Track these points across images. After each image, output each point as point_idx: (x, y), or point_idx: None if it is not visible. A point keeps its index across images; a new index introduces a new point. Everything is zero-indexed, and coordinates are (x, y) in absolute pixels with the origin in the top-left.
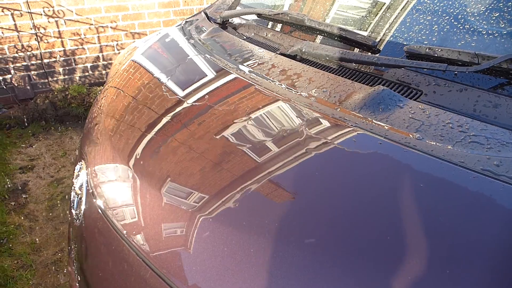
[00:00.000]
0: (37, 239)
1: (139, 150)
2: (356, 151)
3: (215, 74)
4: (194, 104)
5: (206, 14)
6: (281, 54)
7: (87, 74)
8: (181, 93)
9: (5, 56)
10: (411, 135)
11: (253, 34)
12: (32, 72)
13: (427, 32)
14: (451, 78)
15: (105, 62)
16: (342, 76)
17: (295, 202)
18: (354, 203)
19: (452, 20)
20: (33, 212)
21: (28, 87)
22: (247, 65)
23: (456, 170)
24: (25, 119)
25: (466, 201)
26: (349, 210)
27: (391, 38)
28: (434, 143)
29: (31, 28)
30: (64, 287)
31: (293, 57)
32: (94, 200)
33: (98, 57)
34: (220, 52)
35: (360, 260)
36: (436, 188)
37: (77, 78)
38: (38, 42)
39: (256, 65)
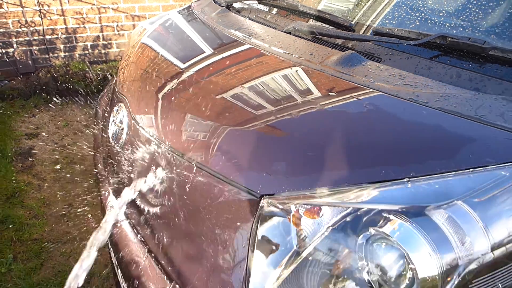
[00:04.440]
0: (46, 195)
1: (170, 89)
2: (329, 89)
3: (227, 43)
4: (210, 65)
5: None
6: (279, 30)
7: (86, 52)
8: (199, 57)
9: (8, 30)
10: (367, 80)
11: (254, 16)
12: (34, 47)
13: (390, 17)
14: (401, 50)
15: (105, 42)
16: (324, 46)
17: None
18: (320, 119)
19: (408, 9)
20: (40, 173)
21: (30, 62)
22: (255, 37)
23: (392, 99)
24: (27, 91)
25: (394, 117)
26: (315, 124)
27: (363, 21)
28: (381, 84)
29: (35, 5)
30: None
31: (288, 33)
32: (133, 122)
33: (98, 37)
34: (230, 27)
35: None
36: (376, 110)
37: (77, 55)
38: (41, 18)
39: (261, 37)
